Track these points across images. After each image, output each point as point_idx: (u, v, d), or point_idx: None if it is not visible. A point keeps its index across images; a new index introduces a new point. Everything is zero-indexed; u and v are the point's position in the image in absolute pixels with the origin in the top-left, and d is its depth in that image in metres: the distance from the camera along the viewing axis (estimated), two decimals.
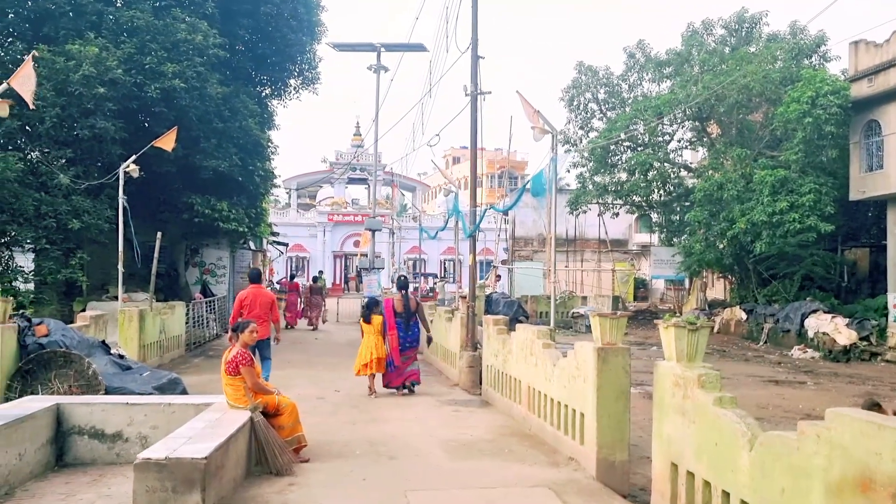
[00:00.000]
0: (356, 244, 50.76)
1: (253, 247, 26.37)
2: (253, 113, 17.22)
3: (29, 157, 14.22)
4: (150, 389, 8.90)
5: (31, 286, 14.52)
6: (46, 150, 14.49)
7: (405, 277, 12.48)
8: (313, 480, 6.55)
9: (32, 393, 8.28)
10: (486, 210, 12.81)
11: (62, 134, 14.21)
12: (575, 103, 32.00)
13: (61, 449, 7.14)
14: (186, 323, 16.91)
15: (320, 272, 33.30)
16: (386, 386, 11.33)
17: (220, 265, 21.63)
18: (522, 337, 9.18)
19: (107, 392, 8.47)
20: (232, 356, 7.02)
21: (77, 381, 8.50)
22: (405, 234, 49.68)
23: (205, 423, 6.40)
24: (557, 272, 38.38)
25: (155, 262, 14.29)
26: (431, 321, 15.71)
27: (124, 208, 13.05)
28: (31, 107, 9.60)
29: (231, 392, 6.98)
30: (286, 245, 39.38)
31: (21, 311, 9.61)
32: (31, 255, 15.41)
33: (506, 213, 47.06)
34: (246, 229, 18.50)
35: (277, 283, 33.74)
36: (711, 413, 4.97)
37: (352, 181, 54.81)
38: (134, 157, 13.22)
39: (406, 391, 11.30)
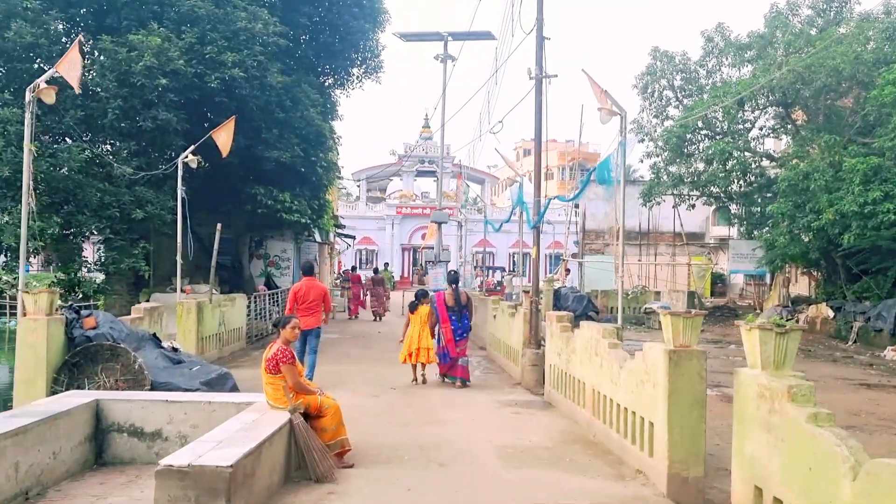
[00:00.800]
0: (424, 237, 50.58)
1: (319, 239, 26.30)
2: (315, 103, 16.95)
3: (92, 148, 14.26)
4: (197, 385, 8.62)
5: (100, 277, 14.61)
6: (111, 141, 14.53)
7: (455, 272, 12.75)
8: (354, 488, 6.07)
9: (79, 387, 8.10)
10: (549, 201, 12.09)
11: (125, 125, 14.24)
12: (649, 91, 30.72)
13: (100, 447, 6.89)
14: (248, 315, 16.81)
15: (386, 264, 33.24)
16: (442, 376, 11.68)
17: (284, 257, 21.56)
18: (587, 335, 8.50)
19: (153, 387, 8.22)
20: (272, 353, 6.61)
21: (124, 376, 8.28)
22: (473, 226, 49.13)
23: (240, 424, 6.01)
24: (629, 266, 37.14)
25: (215, 253, 14.15)
26: (494, 316, 15.14)
27: (183, 199, 12.90)
28: (77, 90, 9.44)
29: (271, 391, 6.58)
30: (353, 238, 39.43)
31: (70, 303, 9.49)
32: (100, 247, 15.56)
33: (575, 203, 45.95)
34: (309, 221, 18.29)
35: (342, 272, 33.74)
36: (804, 431, 4.23)
37: (420, 174, 54.59)
38: (192, 147, 13.07)
39: (459, 384, 11.48)
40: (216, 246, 14.17)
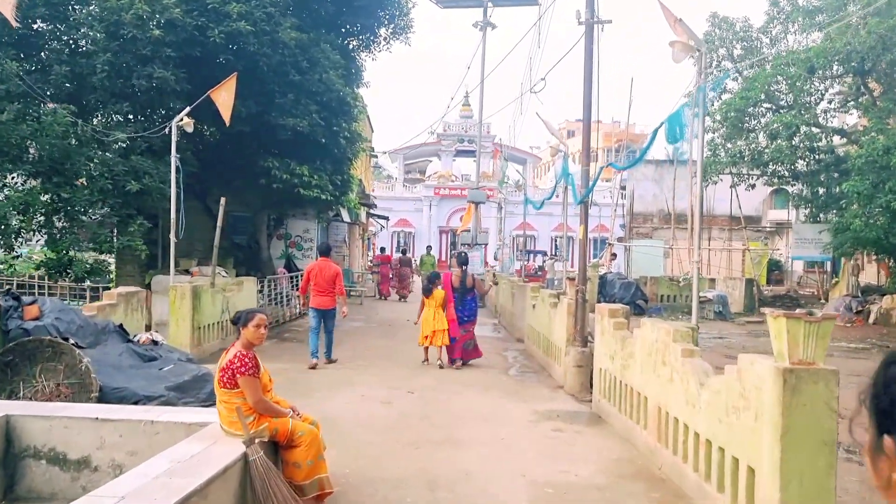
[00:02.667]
0: (462, 219, 48.71)
1: (348, 219, 24.65)
2: (335, 64, 15.18)
3: (81, 109, 12.70)
4: (161, 391, 6.97)
5: (92, 257, 13.13)
6: (101, 103, 12.97)
7: (465, 254, 12.73)
8: None
9: (12, 392, 6.51)
10: (601, 170, 10.14)
11: (117, 85, 12.66)
12: (706, 61, 28.30)
13: (12, 478, 5.27)
14: (262, 300, 15.22)
15: (429, 247, 31.48)
16: (450, 360, 11.47)
17: (306, 238, 19.93)
18: (651, 338, 6.61)
19: (102, 394, 6.59)
20: (227, 360, 4.89)
21: (67, 378, 6.65)
22: (514, 208, 47.04)
23: (169, 462, 4.29)
24: (679, 251, 34.63)
25: (218, 232, 12.55)
26: (534, 306, 13.29)
27: (178, 168, 11.28)
28: (13, 22, 7.81)
29: (224, 412, 4.86)
30: (386, 218, 37.74)
31: (8, 289, 7.92)
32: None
33: (621, 185, 43.64)
34: (330, 197, 16.58)
35: (376, 254, 32.19)
36: None
37: (460, 153, 52.66)
38: (188, 108, 11.42)
39: (459, 364, 11.38)
40: (220, 223, 12.57)
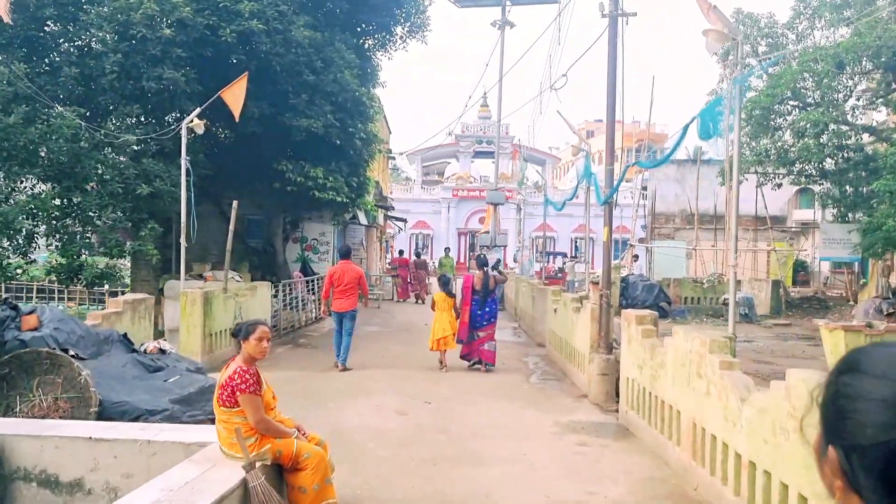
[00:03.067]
0: (481, 221, 48.25)
1: (365, 221, 24.32)
2: (350, 64, 14.82)
3: (91, 112, 12.45)
4: (165, 404, 6.62)
5: (103, 261, 12.85)
6: (111, 105, 12.71)
7: (484, 256, 12.96)
8: None
9: (8, 407, 6.20)
10: (626, 169, 9.69)
11: (127, 87, 12.38)
12: (731, 58, 27.67)
13: (2, 501, 4.95)
14: (276, 306, 14.91)
15: (447, 250, 31.15)
16: (462, 357, 11.54)
17: (322, 241, 19.61)
18: (684, 347, 6.16)
19: (102, 408, 6.25)
20: (227, 377, 4.52)
21: (66, 392, 6.32)
22: (533, 209, 46.56)
23: (160, 491, 3.92)
24: (702, 252, 33.94)
25: (230, 236, 12.25)
26: (555, 310, 12.85)
27: (188, 171, 10.98)
28: (7, 19, 7.54)
29: (224, 433, 4.48)
30: (404, 221, 37.40)
31: (6, 298, 7.63)
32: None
33: (643, 185, 43.03)
34: (346, 200, 16.24)
35: (394, 257, 31.91)
36: None
37: (478, 154, 52.20)
38: (198, 109, 11.11)
39: (480, 367, 11.35)
40: (231, 226, 12.27)
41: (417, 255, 27.61)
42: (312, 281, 17.91)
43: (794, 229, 40.89)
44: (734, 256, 7.30)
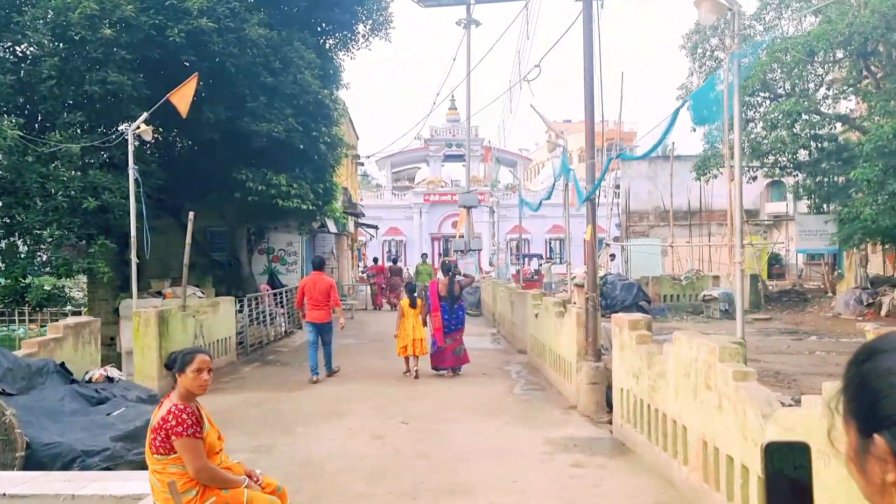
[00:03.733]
0: (454, 225, 47.63)
1: (334, 229, 23.51)
2: (310, 64, 14.05)
3: (31, 122, 11.55)
4: (105, 443, 5.83)
5: (49, 282, 11.96)
6: (51, 113, 11.82)
7: (448, 261, 13.08)
8: None
9: None
10: (608, 162, 9.06)
11: (69, 93, 11.52)
12: (699, 51, 27.40)
13: None
14: (244, 322, 14.08)
15: (424, 255, 30.49)
16: (434, 368, 11.46)
17: (290, 251, 18.78)
18: (688, 356, 5.51)
19: (31, 450, 5.45)
20: (160, 418, 3.77)
21: None
22: (506, 212, 46.03)
23: None
24: (677, 248, 33.52)
25: (188, 248, 11.44)
26: (536, 315, 12.21)
27: (137, 181, 10.15)
28: None
29: (158, 487, 3.73)
30: (376, 228, 36.61)
31: None
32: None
33: (616, 184, 42.71)
34: (313, 207, 15.44)
35: (368, 267, 31.22)
36: None
37: (448, 158, 51.60)
38: (145, 114, 10.29)
39: (450, 373, 11.38)
40: (188, 239, 11.46)
41: (394, 261, 27.82)
42: (281, 294, 17.09)
43: (766, 222, 40.82)
44: (740, 252, 6.64)
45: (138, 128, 10.15)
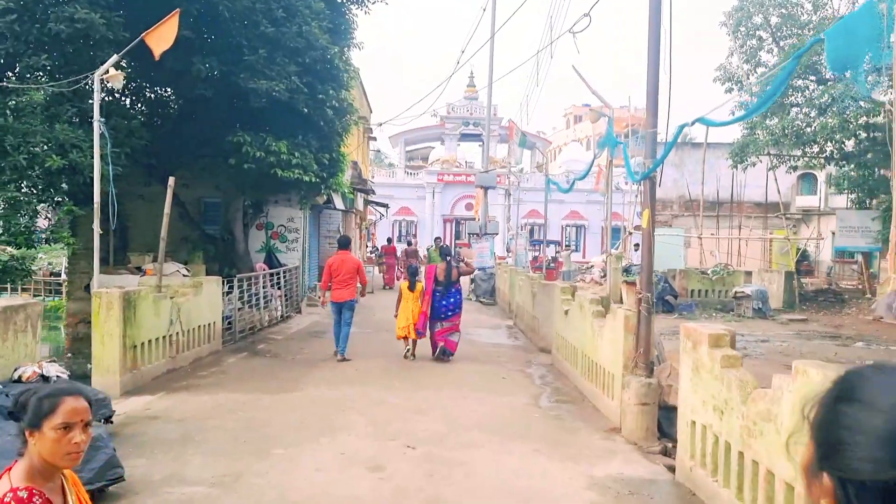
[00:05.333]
0: (468, 207, 45.88)
1: (342, 206, 21.87)
2: (318, 14, 12.33)
3: None
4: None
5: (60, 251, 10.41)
6: (13, 55, 10.14)
7: (447, 246, 13.22)
8: None
9: None
10: (679, 131, 7.33)
11: (32, 31, 9.86)
12: (742, 29, 25.44)
13: None
14: (233, 305, 12.51)
15: (437, 239, 28.90)
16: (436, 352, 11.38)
17: (291, 228, 17.13)
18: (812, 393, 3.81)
19: None
20: None
21: None
22: (523, 195, 44.23)
23: None
24: (703, 240, 31.62)
25: (165, 219, 9.84)
26: (566, 312, 10.56)
27: (103, 136, 8.50)
28: None
29: None
30: (386, 206, 34.92)
31: None
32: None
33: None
34: (316, 179, 13.79)
35: (381, 247, 29.78)
36: None
37: (465, 137, 49.77)
38: (115, 57, 8.63)
39: (444, 358, 11.24)
40: (167, 209, 9.86)
41: (409, 243, 27.18)
42: (279, 274, 15.48)
43: (796, 216, 38.92)
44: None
45: (107, 72, 8.49)
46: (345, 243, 11.79)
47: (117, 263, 14.20)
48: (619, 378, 7.56)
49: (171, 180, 9.76)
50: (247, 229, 16.11)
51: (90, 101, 10.44)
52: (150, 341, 9.15)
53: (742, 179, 31.13)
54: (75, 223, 16.50)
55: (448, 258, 12.01)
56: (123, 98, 12.93)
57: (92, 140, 9.99)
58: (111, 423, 6.82)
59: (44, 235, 10.30)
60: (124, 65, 10.51)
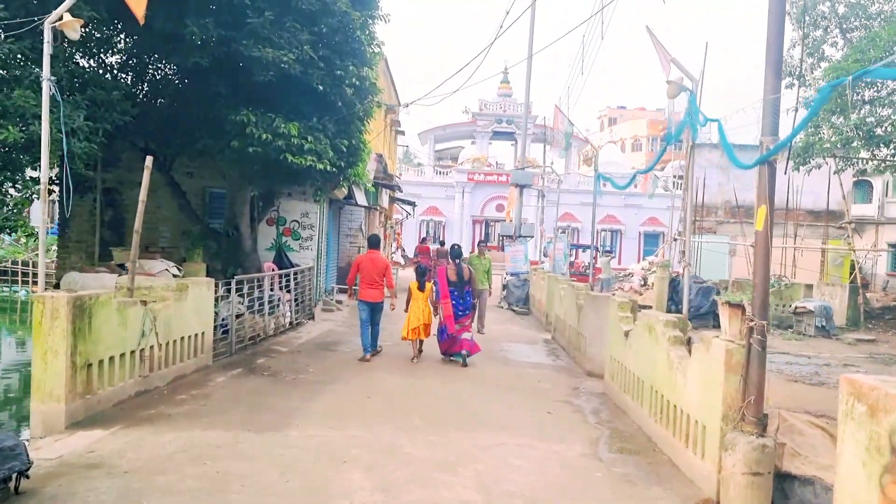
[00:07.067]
0: (499, 208, 43.92)
1: (364, 202, 20.05)
2: None
3: None
4: None
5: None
6: None
7: (459, 247, 12.59)
8: None
9: None
10: (822, 97, 5.31)
11: None
12: (806, 18, 23.20)
13: None
14: (229, 312, 10.73)
15: (481, 244, 27.02)
16: (443, 353, 11.40)
17: (305, 224, 15.30)
18: None
19: None
20: None
21: None
22: (555, 197, 42.12)
23: None
24: (751, 249, 29.47)
25: (141, 206, 8.07)
26: (626, 333, 8.60)
27: (55, 102, 6.72)
28: None
29: None
30: (413, 205, 33.05)
31: None
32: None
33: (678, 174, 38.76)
34: (332, 168, 11.95)
35: (418, 244, 28.23)
36: None
37: (497, 135, 47.80)
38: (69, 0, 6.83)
39: (462, 362, 10.99)
40: (143, 195, 8.09)
41: (441, 244, 26.92)
42: (289, 276, 13.67)
43: (851, 225, 36.39)
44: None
45: (60, 18, 6.71)
46: (375, 242, 11.45)
47: (107, 259, 12.52)
48: (716, 433, 5.59)
49: (149, 160, 7.99)
50: (255, 224, 14.33)
51: (61, 66, 8.70)
52: (111, 358, 7.34)
53: (798, 184, 28.77)
54: (71, 212, 14.92)
55: (458, 260, 11.90)
56: (101, 65, 11.16)
57: (61, 111, 8.23)
58: (27, 477, 5.03)
59: None
60: (105, 25, 8.74)
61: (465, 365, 10.93)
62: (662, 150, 10.96)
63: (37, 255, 29.94)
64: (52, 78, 6.92)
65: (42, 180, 7.14)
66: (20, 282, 29.03)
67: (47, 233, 12.52)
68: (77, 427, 6.61)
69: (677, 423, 6.58)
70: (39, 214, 7.78)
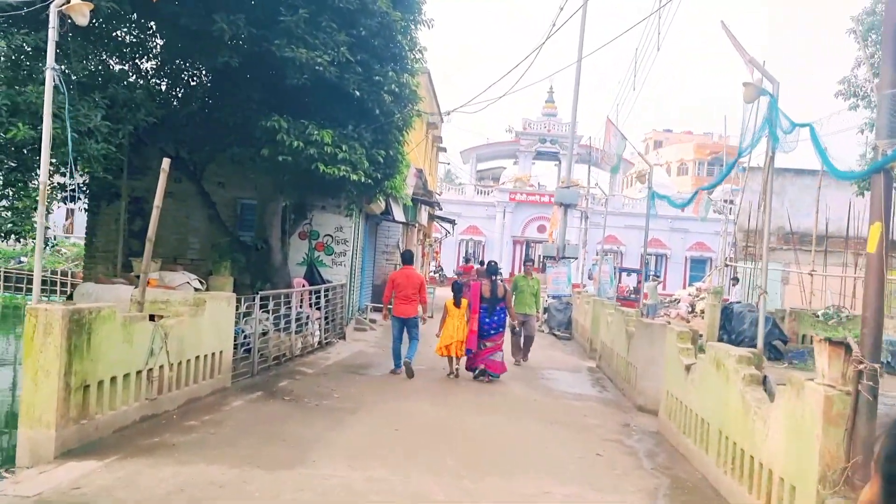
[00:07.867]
0: (541, 229, 42.92)
1: (402, 218, 19.32)
2: None
3: None
4: None
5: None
6: None
7: (495, 263, 12.66)
8: None
9: None
10: None
11: None
12: (872, 35, 21.95)
13: None
14: (253, 329, 10.02)
15: (528, 264, 26.18)
16: (468, 369, 11.23)
17: (339, 238, 14.58)
18: None
19: None
20: None
21: None
22: (599, 218, 40.97)
23: None
24: (805, 278, 27.77)
25: (156, 210, 7.39)
26: (688, 368, 7.63)
27: (59, 91, 6.11)
28: None
29: None
30: (453, 223, 32.27)
31: None
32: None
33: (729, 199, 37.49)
34: (367, 179, 11.22)
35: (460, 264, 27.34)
36: None
37: (540, 155, 46.90)
38: None
39: (483, 378, 10.91)
40: (158, 200, 7.41)
41: (482, 263, 25.98)
42: (320, 293, 12.94)
43: None
44: None
45: (67, 2, 6.11)
46: (409, 258, 11.64)
47: (129, 270, 11.95)
48: (811, 497, 4.60)
49: (166, 162, 7.33)
50: (286, 237, 13.67)
51: (78, 62, 8.13)
52: (113, 379, 6.63)
53: (860, 209, 27.25)
54: (95, 220, 14.45)
55: (494, 277, 11.86)
56: (125, 62, 10.63)
57: (78, 110, 7.63)
58: None
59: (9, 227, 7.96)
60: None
61: (490, 381, 10.87)
62: (732, 164, 9.94)
63: (76, 265, 30.22)
64: (58, 67, 6.32)
65: (42, 180, 6.51)
66: (58, 292, 29.06)
67: (54, 240, 11.95)
68: (69, 456, 5.90)
69: (754, 479, 5.59)
70: (50, 218, 7.19)
